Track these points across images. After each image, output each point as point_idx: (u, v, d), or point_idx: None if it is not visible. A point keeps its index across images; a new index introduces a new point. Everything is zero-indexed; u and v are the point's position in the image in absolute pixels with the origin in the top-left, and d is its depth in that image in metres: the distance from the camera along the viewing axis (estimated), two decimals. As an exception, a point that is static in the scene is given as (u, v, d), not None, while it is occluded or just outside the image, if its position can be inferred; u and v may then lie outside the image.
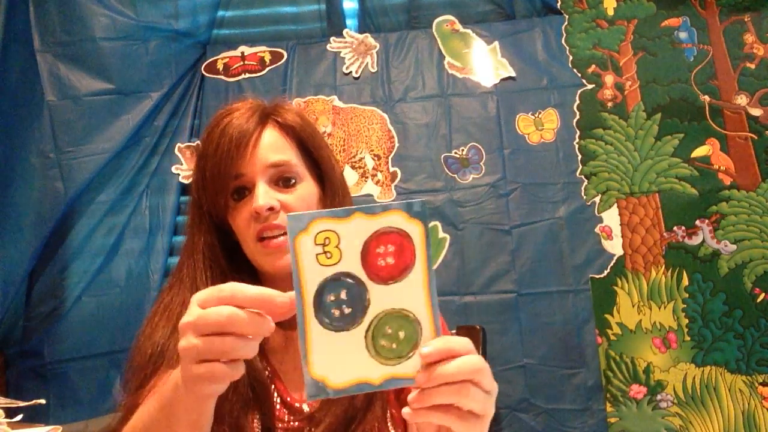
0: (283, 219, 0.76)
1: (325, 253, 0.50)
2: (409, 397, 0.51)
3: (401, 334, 0.51)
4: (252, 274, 0.79)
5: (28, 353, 1.92)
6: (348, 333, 0.51)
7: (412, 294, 0.51)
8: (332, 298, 0.51)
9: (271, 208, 0.75)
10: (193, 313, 0.51)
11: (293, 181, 0.79)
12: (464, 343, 0.52)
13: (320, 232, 0.50)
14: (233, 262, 0.80)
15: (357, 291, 0.51)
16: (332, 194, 0.83)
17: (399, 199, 2.01)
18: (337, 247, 0.51)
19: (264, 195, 0.76)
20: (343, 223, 0.51)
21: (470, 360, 0.51)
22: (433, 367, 0.50)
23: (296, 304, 0.50)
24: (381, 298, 0.51)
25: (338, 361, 0.50)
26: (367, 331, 0.51)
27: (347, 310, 0.51)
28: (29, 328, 1.94)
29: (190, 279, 0.78)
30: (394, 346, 0.51)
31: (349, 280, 0.51)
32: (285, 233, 0.75)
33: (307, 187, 0.81)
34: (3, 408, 1.00)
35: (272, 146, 0.79)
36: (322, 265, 0.51)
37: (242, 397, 0.72)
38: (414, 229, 0.51)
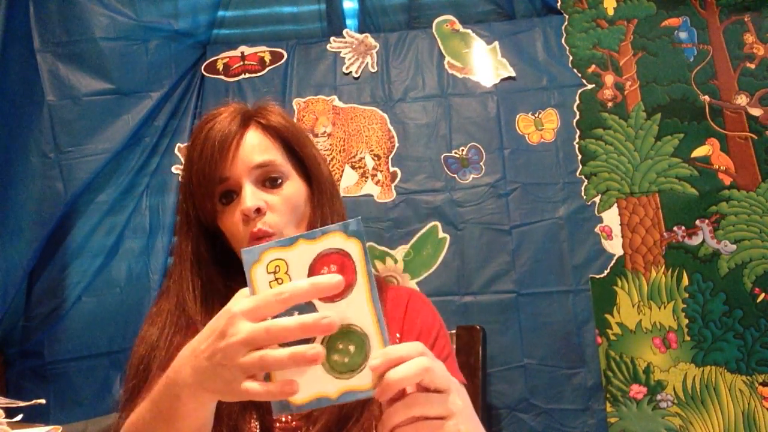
0: (269, 221, 0.77)
1: (276, 279, 0.53)
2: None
3: (351, 348, 0.53)
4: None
5: (28, 353, 1.92)
6: None
7: (357, 309, 0.53)
8: None
9: (258, 210, 0.76)
10: (257, 334, 0.51)
11: (279, 180, 0.80)
12: (411, 347, 0.53)
13: (271, 261, 0.53)
14: (224, 266, 0.80)
15: (307, 311, 0.53)
16: (320, 191, 0.84)
17: (399, 200, 2.02)
18: (286, 273, 0.53)
19: (251, 196, 0.76)
20: (290, 251, 0.53)
21: (416, 362, 0.52)
22: (385, 377, 0.51)
23: None
24: (330, 316, 0.53)
25: (297, 378, 0.52)
26: None
27: None
28: (29, 328, 1.94)
29: (177, 287, 0.78)
30: (346, 360, 0.53)
31: (300, 303, 0.53)
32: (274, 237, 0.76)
33: (294, 186, 0.81)
34: (3, 408, 1.00)
35: (256, 147, 0.79)
36: None
37: None
38: (353, 247, 0.53)
